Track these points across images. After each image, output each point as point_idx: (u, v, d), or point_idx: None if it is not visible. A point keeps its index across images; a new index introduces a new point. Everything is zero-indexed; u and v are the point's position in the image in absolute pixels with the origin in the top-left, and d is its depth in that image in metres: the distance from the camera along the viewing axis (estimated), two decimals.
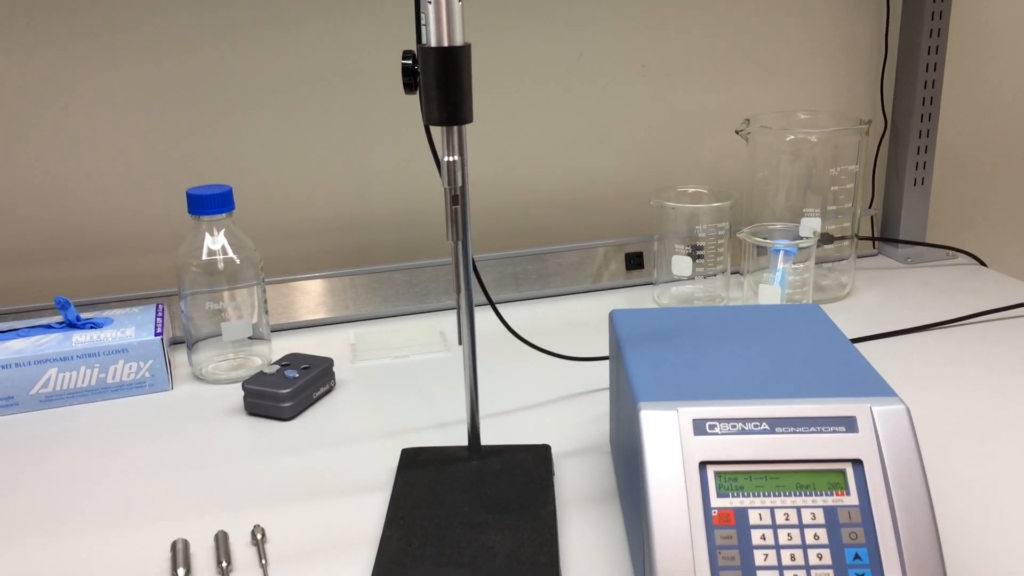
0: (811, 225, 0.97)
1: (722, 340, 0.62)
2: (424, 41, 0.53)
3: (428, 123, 0.54)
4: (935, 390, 0.80)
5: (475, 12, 1.02)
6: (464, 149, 0.55)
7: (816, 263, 1.00)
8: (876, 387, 0.54)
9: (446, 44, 0.52)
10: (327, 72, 0.99)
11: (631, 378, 0.57)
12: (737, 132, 1.00)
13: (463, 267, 0.58)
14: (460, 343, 0.60)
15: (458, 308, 0.59)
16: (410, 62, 0.55)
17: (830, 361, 0.58)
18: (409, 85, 0.55)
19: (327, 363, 0.84)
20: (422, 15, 0.53)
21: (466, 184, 0.55)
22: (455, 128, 0.54)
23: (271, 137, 1.00)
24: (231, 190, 0.83)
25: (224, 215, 0.83)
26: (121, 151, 0.96)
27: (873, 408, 0.52)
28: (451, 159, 0.54)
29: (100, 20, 0.92)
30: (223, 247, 0.84)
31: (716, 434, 0.52)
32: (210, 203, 0.82)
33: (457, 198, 0.55)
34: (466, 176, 0.55)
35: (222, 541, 0.61)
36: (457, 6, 0.52)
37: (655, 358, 0.60)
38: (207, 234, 0.83)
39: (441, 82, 0.53)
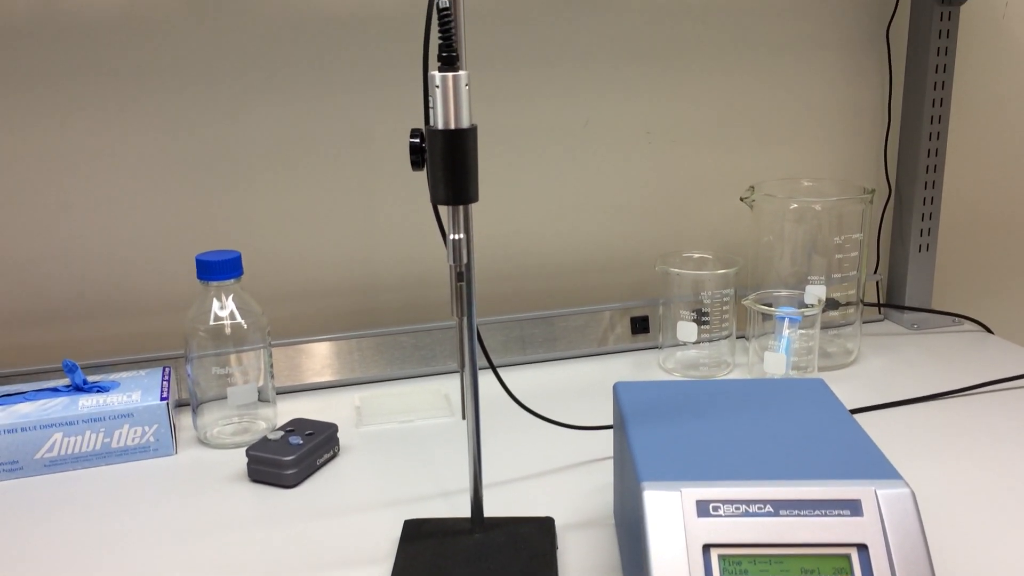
0: (816, 292, 0.97)
1: (726, 416, 0.62)
2: (432, 123, 0.54)
3: (434, 202, 0.55)
4: (941, 463, 0.80)
5: (483, 76, 1.04)
6: (470, 227, 0.56)
7: (822, 328, 1.00)
8: (881, 469, 0.54)
9: (453, 127, 0.53)
10: (335, 137, 1.01)
11: (634, 455, 0.57)
12: (742, 199, 1.01)
13: (467, 343, 0.58)
14: (464, 418, 0.60)
15: (462, 384, 0.59)
16: (417, 140, 0.56)
17: (834, 440, 0.58)
18: (416, 163, 0.56)
19: (331, 429, 0.84)
20: (430, 98, 0.54)
21: (471, 261, 0.56)
22: (461, 207, 0.55)
23: (279, 200, 1.01)
24: (240, 256, 0.84)
25: (232, 280, 0.84)
26: (131, 215, 0.98)
27: (878, 491, 0.52)
28: (456, 237, 0.55)
29: (110, 88, 0.94)
30: (231, 312, 0.84)
31: (720, 516, 0.52)
32: (219, 269, 0.83)
33: (462, 275, 0.56)
34: (471, 254, 0.56)
35: None
36: (464, 90, 0.53)
37: (658, 434, 0.59)
38: (215, 299, 0.84)
39: (447, 163, 0.54)
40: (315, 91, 0.99)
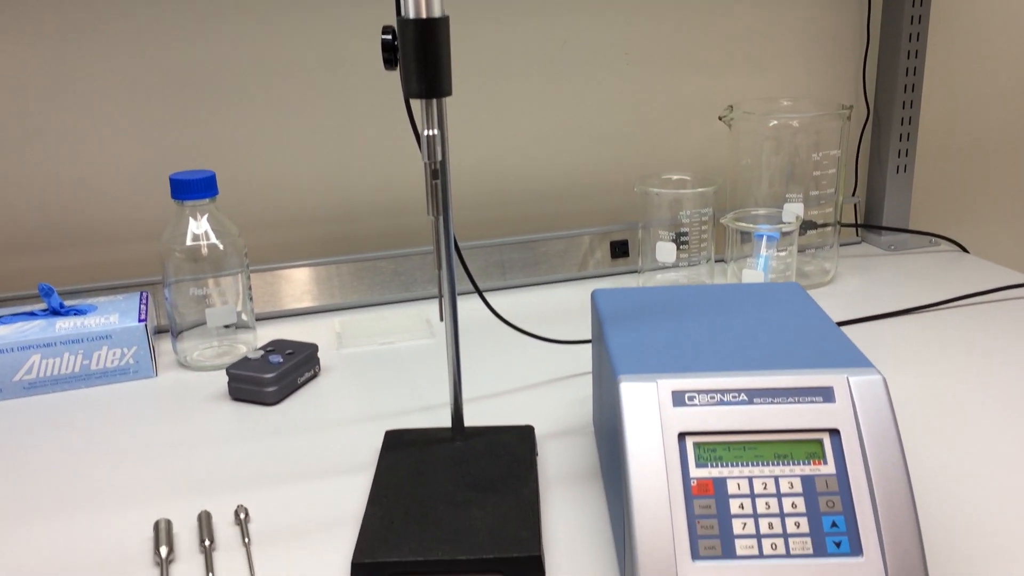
0: (793, 210, 0.97)
1: (702, 316, 0.63)
2: (403, 13, 0.54)
3: (407, 96, 0.55)
4: (915, 372, 0.81)
5: None
6: (444, 122, 0.55)
7: (799, 251, 1.01)
8: (853, 359, 0.55)
9: (424, 16, 0.53)
10: (311, 60, 0.99)
11: (611, 353, 0.57)
12: (720, 119, 1.00)
13: (444, 242, 0.58)
14: (441, 319, 0.60)
15: (439, 284, 0.59)
16: (390, 37, 0.55)
17: (809, 335, 0.59)
18: (389, 61, 0.55)
19: (312, 348, 0.84)
20: None
21: (446, 158, 0.56)
22: (434, 101, 0.54)
23: (256, 125, 1.00)
24: (214, 175, 0.83)
25: (207, 200, 0.83)
26: (105, 140, 0.96)
27: (850, 378, 0.52)
28: (431, 133, 0.55)
29: (82, 10, 0.92)
30: (206, 232, 0.83)
31: (695, 405, 0.52)
32: (193, 188, 0.82)
33: (437, 172, 0.55)
34: (446, 150, 0.55)
35: (205, 521, 0.61)
36: None
37: (636, 334, 0.60)
38: (191, 219, 0.83)
39: (420, 54, 0.53)
40: (288, 10, 0.97)
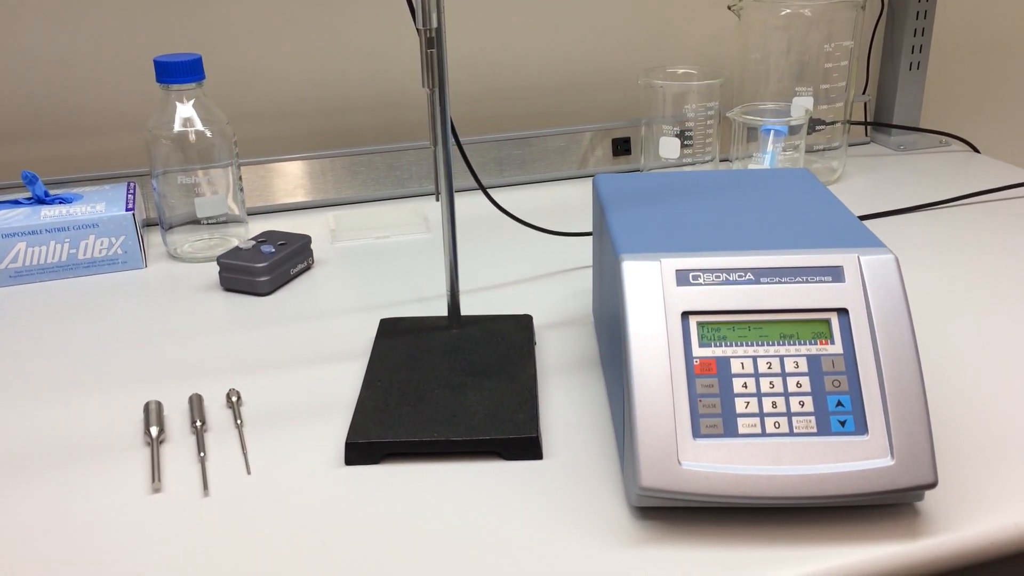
0: (803, 104, 0.94)
1: (708, 199, 0.61)
2: None
3: None
4: (923, 266, 0.79)
5: None
6: None
7: (807, 152, 0.98)
8: (864, 238, 0.53)
9: None
10: None
11: (613, 235, 0.55)
12: (729, 8, 0.96)
13: (440, 117, 0.55)
14: (437, 199, 0.58)
15: (435, 162, 0.56)
16: None
17: (818, 216, 0.57)
18: None
19: (305, 240, 0.82)
20: None
21: (442, 26, 0.52)
22: None
23: (246, 13, 0.96)
24: (200, 58, 0.80)
25: (194, 85, 0.80)
26: (87, 25, 0.92)
27: (861, 257, 0.50)
28: None
29: None
30: (193, 118, 0.80)
31: (699, 284, 0.50)
32: (178, 70, 0.78)
33: (433, 40, 0.52)
34: (442, 16, 0.52)
35: (196, 403, 0.60)
36: None
37: (639, 216, 0.58)
38: (177, 104, 0.80)
39: None
40: None
